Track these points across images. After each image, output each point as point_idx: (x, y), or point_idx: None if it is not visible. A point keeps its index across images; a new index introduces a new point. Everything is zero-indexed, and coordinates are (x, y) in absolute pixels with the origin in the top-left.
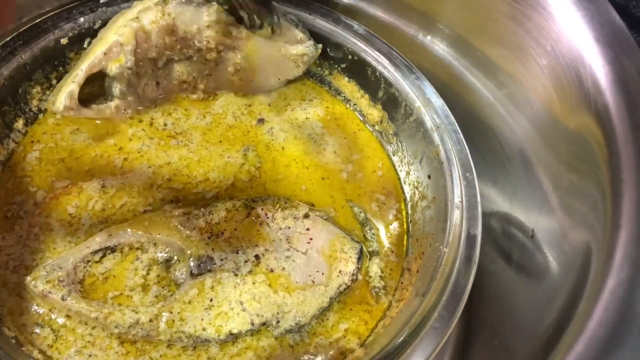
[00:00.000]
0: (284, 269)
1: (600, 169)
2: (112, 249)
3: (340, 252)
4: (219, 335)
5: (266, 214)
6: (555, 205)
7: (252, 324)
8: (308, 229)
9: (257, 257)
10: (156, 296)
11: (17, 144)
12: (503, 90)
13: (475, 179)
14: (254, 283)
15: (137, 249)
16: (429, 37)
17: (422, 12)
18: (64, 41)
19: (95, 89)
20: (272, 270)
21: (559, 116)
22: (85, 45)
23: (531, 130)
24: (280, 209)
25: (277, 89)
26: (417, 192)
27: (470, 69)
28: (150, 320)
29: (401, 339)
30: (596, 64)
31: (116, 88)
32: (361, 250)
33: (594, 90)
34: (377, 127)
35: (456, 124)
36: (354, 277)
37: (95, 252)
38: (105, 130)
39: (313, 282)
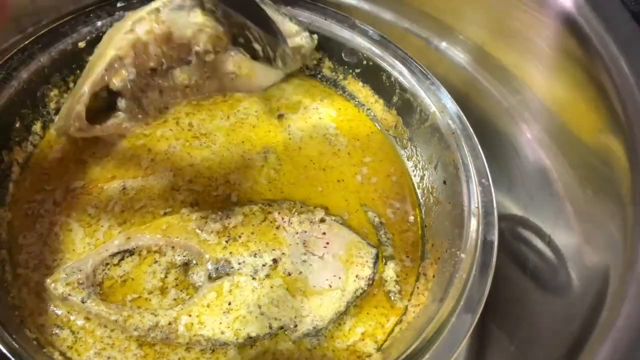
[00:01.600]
0: (301, 272)
1: (619, 182)
2: (131, 252)
3: (357, 257)
4: (237, 339)
5: (283, 218)
6: (572, 213)
7: (270, 327)
8: (324, 233)
9: (274, 261)
10: (174, 299)
11: (35, 147)
12: (517, 97)
13: (491, 185)
14: (271, 287)
15: (155, 252)
16: (443, 43)
17: (437, 19)
18: (81, 45)
19: (98, 103)
20: (289, 274)
21: (575, 127)
22: None
23: (546, 138)
24: (296, 213)
25: (277, 83)
26: (431, 197)
27: (485, 75)
28: (169, 323)
29: (419, 344)
30: (618, 77)
31: (121, 102)
32: (377, 255)
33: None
34: (391, 132)
35: (471, 129)
36: (370, 282)
37: (114, 255)
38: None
39: (330, 286)
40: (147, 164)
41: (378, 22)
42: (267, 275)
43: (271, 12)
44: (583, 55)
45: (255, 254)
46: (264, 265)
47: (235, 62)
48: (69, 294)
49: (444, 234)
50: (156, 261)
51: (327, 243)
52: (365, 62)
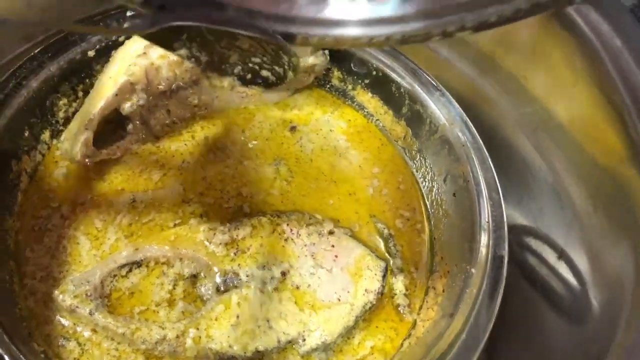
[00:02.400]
0: (309, 286)
1: (632, 199)
2: (138, 264)
3: (366, 270)
4: (245, 353)
5: (291, 230)
6: (584, 228)
7: (279, 341)
8: (333, 246)
9: (283, 273)
10: (182, 312)
11: (44, 156)
12: (527, 109)
13: (502, 198)
14: (280, 300)
15: (163, 263)
16: (454, 54)
17: None
18: (91, 53)
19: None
20: (297, 287)
21: (586, 142)
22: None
23: (556, 151)
24: (305, 225)
25: (287, 98)
26: (440, 209)
27: (494, 85)
28: (177, 337)
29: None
30: (635, 92)
31: (129, 125)
32: (386, 268)
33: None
34: (400, 143)
35: (481, 142)
36: (379, 295)
37: (121, 267)
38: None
39: (339, 300)
40: (159, 177)
41: None
42: (276, 289)
43: None
44: (595, 71)
45: (264, 266)
46: (272, 278)
47: None
48: (77, 306)
49: (454, 248)
50: (164, 273)
51: (336, 256)
52: (374, 72)
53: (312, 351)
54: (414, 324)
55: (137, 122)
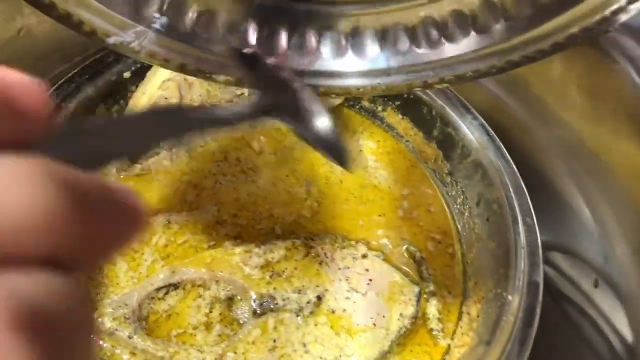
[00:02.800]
0: (345, 310)
1: None
2: (175, 286)
3: (400, 295)
4: None
5: (325, 254)
6: (621, 256)
7: None
8: (367, 270)
9: (318, 297)
10: (219, 335)
11: None
12: (558, 133)
13: (536, 223)
14: (316, 324)
15: (200, 286)
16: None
17: None
18: (126, 75)
19: None
20: (333, 312)
21: (621, 171)
22: None
23: (590, 179)
24: (339, 248)
25: None
26: (473, 233)
27: (523, 108)
28: None
29: None
30: None
31: None
32: (419, 293)
33: None
34: (430, 165)
35: (515, 166)
36: (414, 320)
37: (159, 289)
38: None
39: (374, 325)
40: (192, 198)
41: None
42: (312, 313)
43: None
44: (628, 98)
45: (299, 290)
46: (308, 302)
47: None
48: (116, 329)
49: (488, 273)
50: (200, 295)
51: (370, 280)
52: (405, 94)
53: None
54: (448, 349)
55: None
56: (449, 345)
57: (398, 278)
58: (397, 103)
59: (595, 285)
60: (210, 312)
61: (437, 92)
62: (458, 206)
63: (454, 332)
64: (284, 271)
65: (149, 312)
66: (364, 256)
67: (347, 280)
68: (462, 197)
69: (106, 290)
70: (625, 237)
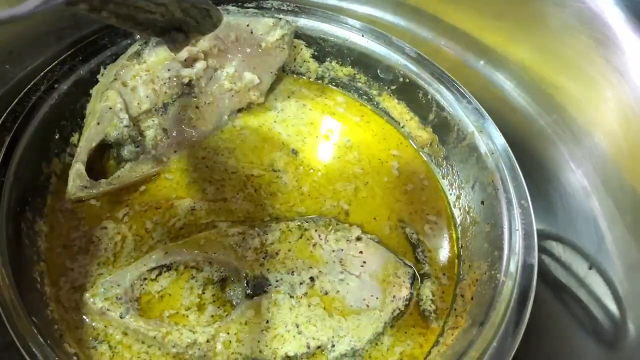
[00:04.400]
0: (338, 292)
1: None
2: (168, 267)
3: (394, 277)
4: (274, 358)
5: (319, 236)
6: (614, 240)
7: (308, 347)
8: (361, 252)
9: (312, 279)
10: (212, 316)
11: (73, 157)
12: (554, 116)
13: (531, 206)
14: (309, 305)
15: (193, 267)
16: (481, 62)
17: (474, 37)
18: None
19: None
20: (326, 293)
21: (614, 152)
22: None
23: (584, 160)
24: (333, 231)
25: (270, 82)
26: (468, 217)
27: (522, 93)
28: (207, 341)
29: None
30: None
31: (124, 150)
32: (414, 275)
33: None
34: (426, 150)
35: (510, 150)
36: (407, 302)
37: (151, 270)
38: None
39: (367, 306)
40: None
41: (414, 40)
42: (305, 294)
43: (240, 16)
44: (623, 84)
45: (293, 271)
46: (301, 284)
47: (229, 78)
48: (108, 309)
49: (483, 256)
50: (193, 277)
51: (364, 262)
52: (401, 79)
53: (341, 357)
54: (442, 331)
55: (132, 147)
56: (442, 327)
57: (393, 260)
58: (393, 88)
59: (590, 268)
60: (203, 293)
61: (433, 76)
62: (454, 190)
63: (448, 314)
64: (277, 253)
65: (141, 293)
66: (359, 239)
67: (340, 262)
68: (458, 181)
69: (99, 270)
70: (618, 223)
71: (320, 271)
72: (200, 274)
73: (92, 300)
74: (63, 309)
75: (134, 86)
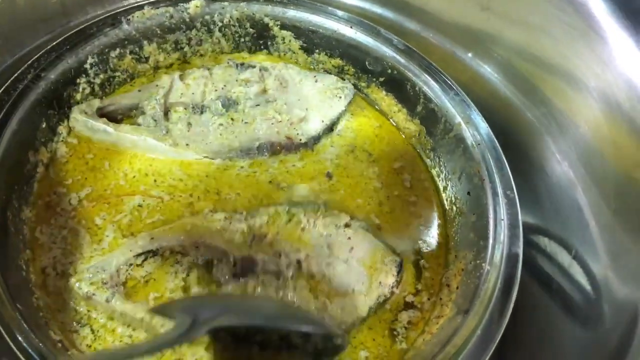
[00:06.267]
0: (324, 275)
1: None
2: (154, 253)
3: (380, 264)
4: None
5: (308, 220)
6: (599, 230)
7: None
8: (349, 238)
9: (298, 262)
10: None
11: (60, 147)
12: (542, 109)
13: (516, 197)
14: (295, 288)
15: (178, 252)
16: (469, 54)
17: (462, 29)
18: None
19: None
20: (313, 276)
21: (604, 147)
22: (128, 52)
23: (571, 152)
24: (321, 216)
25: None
26: (454, 207)
27: (509, 86)
28: None
29: (444, 356)
30: None
31: (143, 118)
32: (401, 264)
33: None
34: (413, 141)
35: (496, 141)
36: (393, 290)
37: (137, 256)
38: None
39: (353, 290)
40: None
41: (402, 32)
42: (291, 276)
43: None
44: (607, 76)
45: (280, 254)
46: (288, 266)
47: (276, 107)
48: (93, 294)
49: (468, 245)
50: (178, 261)
51: (352, 248)
52: (389, 71)
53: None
54: (428, 319)
55: (151, 119)
56: (428, 316)
57: (380, 248)
58: (382, 79)
59: (574, 257)
60: (188, 276)
61: (420, 68)
62: (441, 181)
63: (434, 304)
64: (265, 236)
65: (127, 278)
66: (347, 225)
67: (328, 247)
68: (444, 172)
69: (80, 258)
70: (603, 213)
71: (307, 254)
72: (185, 258)
73: (77, 285)
74: (48, 295)
75: (188, 83)
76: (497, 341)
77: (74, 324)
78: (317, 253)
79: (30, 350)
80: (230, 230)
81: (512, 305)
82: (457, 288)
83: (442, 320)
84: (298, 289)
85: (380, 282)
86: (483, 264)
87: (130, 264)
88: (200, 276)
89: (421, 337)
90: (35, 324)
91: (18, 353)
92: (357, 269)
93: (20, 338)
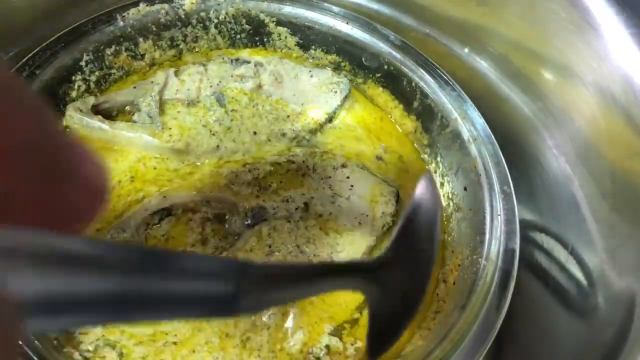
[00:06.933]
0: (331, 213)
1: None
2: (168, 212)
3: (380, 196)
4: None
5: (307, 166)
6: (596, 225)
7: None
8: (348, 177)
9: (305, 204)
10: (216, 247)
11: None
12: (539, 104)
13: (513, 192)
14: (306, 227)
15: (190, 210)
16: (465, 50)
17: (459, 25)
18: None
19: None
20: (320, 215)
21: (601, 142)
22: (123, 50)
23: (568, 147)
24: (319, 161)
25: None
26: (451, 203)
27: (506, 81)
28: None
29: (440, 351)
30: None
31: (138, 115)
32: (398, 194)
33: None
34: (410, 137)
35: (493, 136)
36: (394, 218)
37: (153, 215)
38: None
39: (360, 223)
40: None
41: (399, 28)
42: (301, 218)
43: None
44: (604, 68)
45: (287, 199)
46: (296, 209)
47: (272, 103)
48: None
49: (465, 241)
50: (191, 219)
51: (352, 185)
52: (386, 66)
53: None
54: (425, 316)
55: (147, 116)
56: (425, 312)
57: (377, 182)
58: (378, 75)
59: (571, 253)
60: (204, 230)
61: (417, 64)
62: (438, 178)
63: (430, 299)
64: (270, 185)
65: (147, 237)
66: (344, 165)
67: (330, 187)
68: (441, 168)
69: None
70: (600, 208)
71: (312, 197)
72: (197, 214)
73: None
74: None
75: (183, 79)
76: (494, 336)
77: None
78: (320, 195)
79: (25, 347)
80: (237, 183)
81: (508, 300)
82: (454, 283)
83: (439, 316)
84: (309, 228)
85: (382, 212)
86: (480, 259)
87: (148, 224)
88: (216, 229)
89: (418, 332)
90: None
91: None
92: (359, 204)
93: None
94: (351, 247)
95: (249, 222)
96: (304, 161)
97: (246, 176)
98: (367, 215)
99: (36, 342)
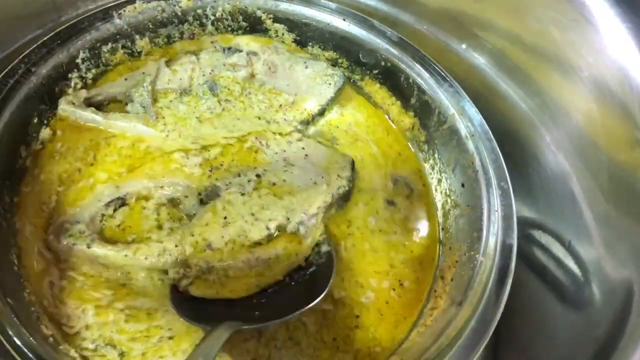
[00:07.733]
0: (284, 180)
1: None
2: (122, 201)
3: (335, 163)
4: (242, 247)
5: (260, 142)
6: (593, 220)
7: (268, 228)
8: (303, 148)
9: (257, 176)
10: (171, 229)
11: (49, 139)
12: (536, 100)
13: (510, 188)
14: (259, 196)
15: (143, 198)
16: (463, 46)
17: (457, 21)
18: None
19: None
20: (274, 184)
21: (598, 137)
22: (120, 47)
23: (566, 143)
24: (274, 139)
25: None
26: (449, 200)
27: (504, 77)
28: (176, 246)
29: (437, 347)
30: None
31: (131, 105)
32: (353, 162)
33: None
34: (407, 134)
35: (490, 132)
36: (351, 184)
37: (107, 205)
38: None
39: (315, 183)
40: None
41: (396, 24)
42: (254, 189)
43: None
44: (600, 64)
45: (239, 174)
46: (249, 181)
47: (264, 92)
48: (74, 243)
49: (462, 237)
50: (144, 207)
51: (306, 155)
52: (383, 63)
53: (298, 225)
54: (422, 312)
55: (139, 105)
56: (422, 308)
57: (333, 152)
58: (375, 72)
59: (568, 248)
60: (159, 215)
61: (414, 60)
62: (436, 174)
63: (427, 295)
64: (222, 164)
65: (102, 228)
66: (299, 140)
67: (284, 160)
68: (439, 164)
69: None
70: (597, 203)
71: (265, 170)
72: (150, 201)
73: (51, 238)
74: (40, 289)
75: (175, 69)
76: (491, 332)
77: (66, 317)
78: (274, 167)
79: (21, 345)
80: (189, 165)
81: (506, 296)
82: (452, 280)
83: (436, 312)
84: (262, 196)
85: (338, 175)
86: (477, 256)
87: (103, 215)
88: (171, 212)
89: (415, 329)
90: (27, 319)
91: (9, 347)
92: (314, 169)
93: (10, 332)
94: (306, 202)
95: (204, 199)
96: (256, 137)
97: (197, 158)
98: (322, 177)
99: (31, 339)
